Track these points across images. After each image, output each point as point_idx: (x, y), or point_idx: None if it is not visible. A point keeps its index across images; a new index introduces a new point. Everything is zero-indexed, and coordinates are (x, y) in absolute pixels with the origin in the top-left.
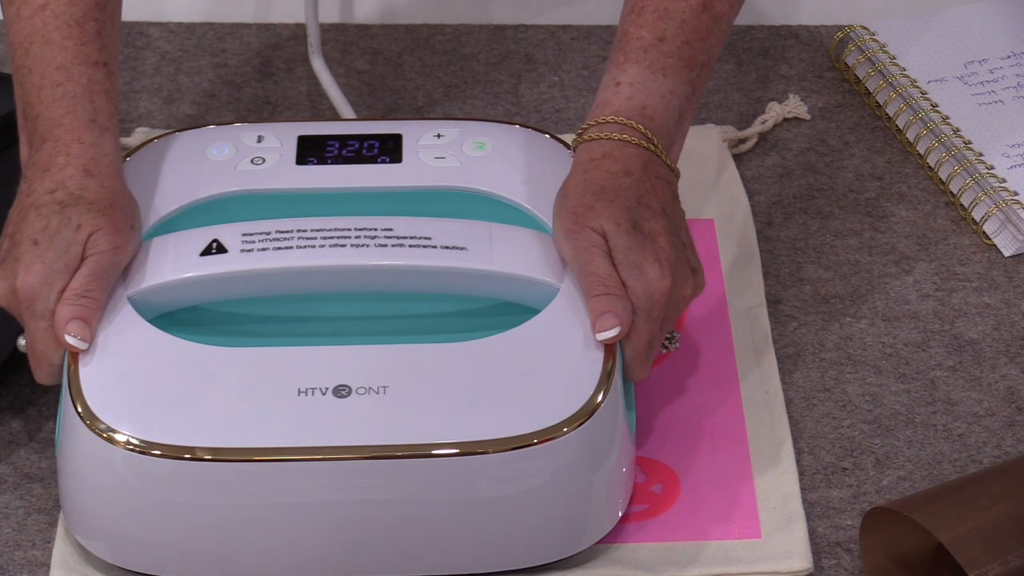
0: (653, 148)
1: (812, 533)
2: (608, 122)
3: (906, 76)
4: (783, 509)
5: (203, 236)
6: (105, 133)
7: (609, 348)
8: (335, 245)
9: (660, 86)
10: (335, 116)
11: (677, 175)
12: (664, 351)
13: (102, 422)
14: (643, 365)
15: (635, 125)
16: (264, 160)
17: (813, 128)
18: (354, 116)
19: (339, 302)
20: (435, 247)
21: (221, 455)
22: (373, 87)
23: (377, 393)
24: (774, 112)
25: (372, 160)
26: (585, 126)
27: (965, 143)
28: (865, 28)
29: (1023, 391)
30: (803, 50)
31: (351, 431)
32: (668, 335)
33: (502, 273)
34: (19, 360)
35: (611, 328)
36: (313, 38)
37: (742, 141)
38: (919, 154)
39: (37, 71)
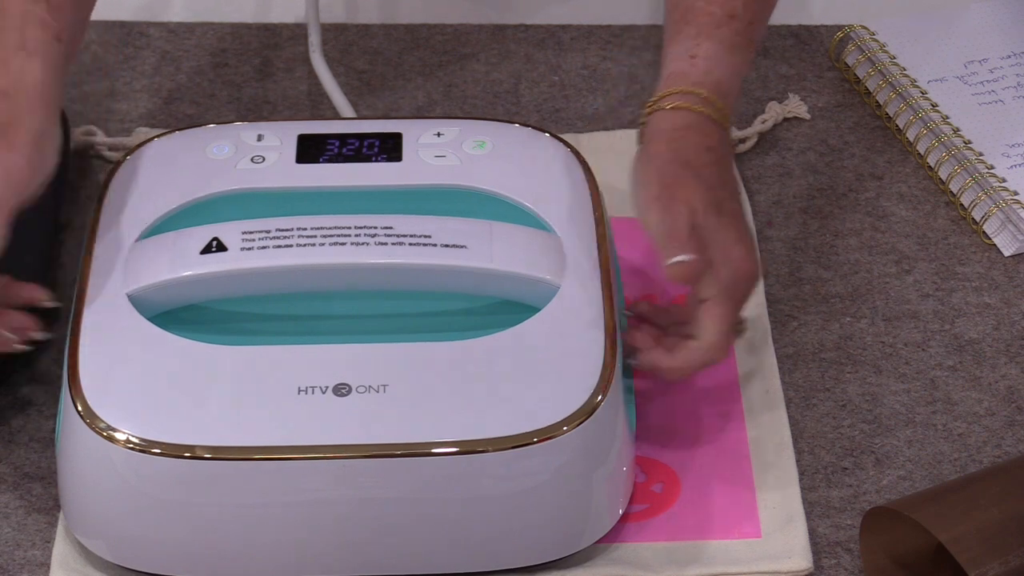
0: (726, 125)
1: (812, 533)
2: (688, 92)
3: (906, 76)
4: (783, 509)
5: (203, 234)
6: (32, 57)
7: (610, 346)
8: (335, 243)
9: (731, 63)
10: (335, 115)
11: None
12: (739, 336)
13: (102, 421)
14: (723, 349)
15: (714, 100)
16: (264, 159)
17: (813, 128)
18: (354, 115)
19: (339, 300)
20: (435, 245)
21: (221, 454)
22: (373, 87)
23: (377, 392)
24: (774, 112)
25: (372, 159)
26: (661, 95)
27: (965, 143)
28: (865, 28)
29: (1023, 391)
30: (803, 50)
31: (351, 430)
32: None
33: (502, 271)
34: (19, 360)
35: (681, 256)
36: (314, 36)
37: (742, 141)
38: (919, 154)
39: None
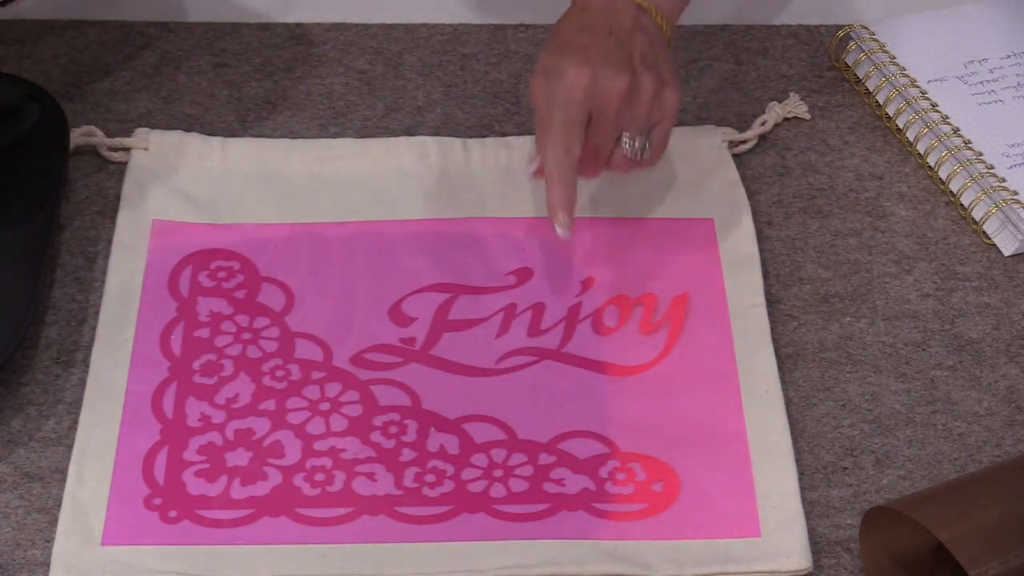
0: (663, 26)
1: (812, 532)
2: None
3: (906, 76)
4: (783, 508)
5: None
6: None
7: None
8: None
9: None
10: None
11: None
12: (633, 151)
13: None
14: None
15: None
16: None
17: (813, 128)
18: None
19: None
20: None
21: None
22: (373, 87)
23: None
24: (774, 112)
25: None
26: None
27: (965, 143)
28: (865, 28)
29: (1023, 391)
30: (803, 50)
31: None
32: (633, 138)
33: None
34: (19, 360)
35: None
36: None
37: (743, 141)
38: (919, 154)
39: None
